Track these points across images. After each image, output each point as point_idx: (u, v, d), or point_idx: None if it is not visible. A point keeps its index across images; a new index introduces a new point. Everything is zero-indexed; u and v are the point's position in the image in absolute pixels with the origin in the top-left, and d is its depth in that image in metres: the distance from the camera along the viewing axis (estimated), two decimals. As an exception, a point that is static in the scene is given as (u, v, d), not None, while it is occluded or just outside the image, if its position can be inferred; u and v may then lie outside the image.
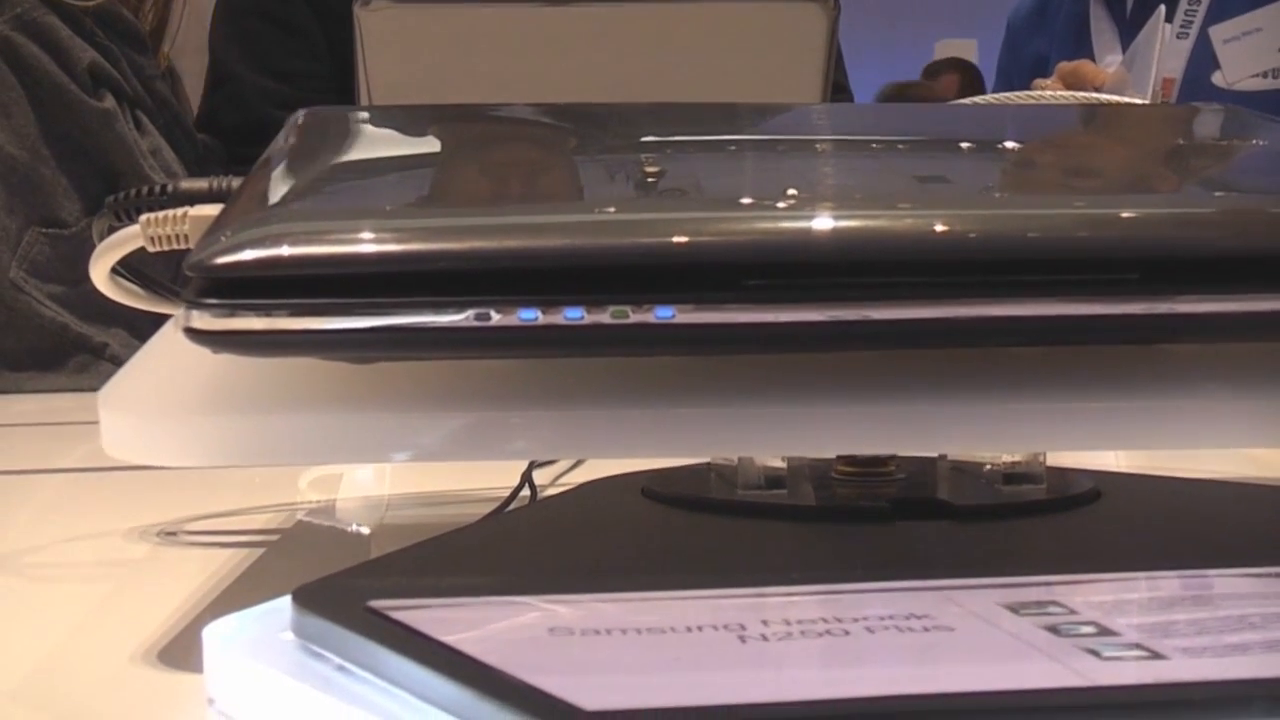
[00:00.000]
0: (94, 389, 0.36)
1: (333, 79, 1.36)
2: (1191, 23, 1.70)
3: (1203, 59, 1.70)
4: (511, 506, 0.45)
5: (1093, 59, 1.74)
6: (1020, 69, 1.88)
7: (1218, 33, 1.68)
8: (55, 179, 1.14)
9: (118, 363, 1.12)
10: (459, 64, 0.81)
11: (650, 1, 0.83)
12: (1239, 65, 1.66)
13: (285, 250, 0.28)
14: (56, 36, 1.13)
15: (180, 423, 0.31)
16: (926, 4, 5.96)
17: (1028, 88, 1.59)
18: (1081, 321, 0.31)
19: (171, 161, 1.20)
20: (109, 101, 1.15)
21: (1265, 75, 1.65)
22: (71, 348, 1.11)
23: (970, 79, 4.29)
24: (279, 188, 0.32)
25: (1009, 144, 0.41)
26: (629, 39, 0.83)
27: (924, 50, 5.19)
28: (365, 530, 0.54)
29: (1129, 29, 1.73)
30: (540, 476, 0.50)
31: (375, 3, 0.78)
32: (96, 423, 0.35)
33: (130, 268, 0.44)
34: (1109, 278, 0.31)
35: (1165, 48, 1.39)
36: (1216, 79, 1.68)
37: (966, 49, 5.05)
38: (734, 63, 0.84)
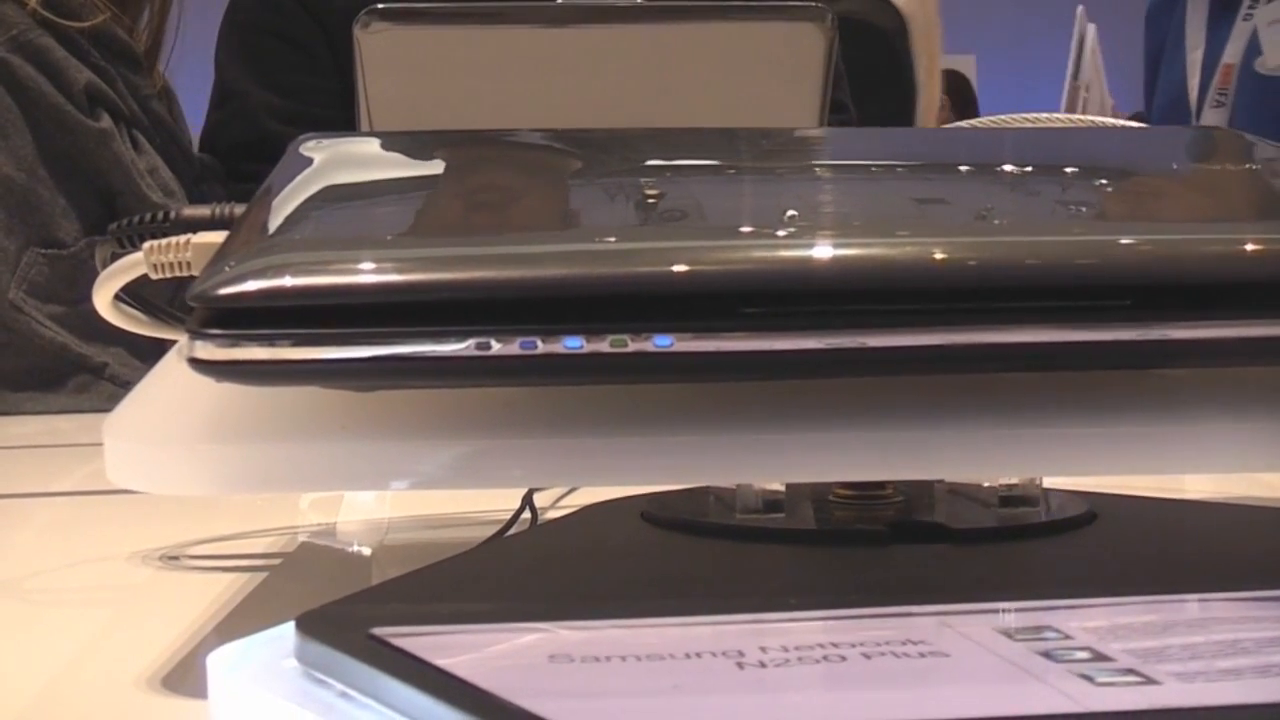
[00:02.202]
0: (94, 409, 0.36)
1: (339, 95, 1.36)
2: (1257, 3, 1.60)
3: (1257, 45, 1.60)
4: (512, 530, 0.46)
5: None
6: (1148, 61, 1.78)
7: (1264, 14, 1.57)
8: (53, 200, 1.14)
9: (117, 382, 1.12)
10: (459, 86, 0.81)
11: (649, 23, 0.83)
12: (1279, 50, 1.57)
13: (287, 281, 0.28)
14: (52, 57, 1.14)
15: (184, 451, 0.31)
16: (924, 21, 5.96)
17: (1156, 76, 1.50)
18: (1075, 348, 0.31)
19: (169, 180, 1.20)
20: (105, 121, 1.16)
21: None
22: (71, 368, 1.11)
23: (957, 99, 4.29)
24: (280, 218, 0.33)
25: (1003, 170, 0.41)
26: (628, 61, 0.83)
27: (922, 67, 5.20)
28: (367, 553, 0.54)
29: (1215, 22, 1.64)
30: (541, 499, 0.50)
31: (375, 25, 0.78)
32: (98, 445, 0.35)
33: (133, 293, 0.44)
34: (1102, 304, 0.31)
35: (1093, 54, 1.35)
36: (1259, 65, 1.59)
37: (965, 64, 5.06)
38: (733, 83, 0.84)
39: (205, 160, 1.33)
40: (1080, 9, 1.49)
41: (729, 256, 0.30)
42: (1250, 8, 1.62)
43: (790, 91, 0.85)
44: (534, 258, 0.30)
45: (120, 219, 0.45)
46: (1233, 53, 1.60)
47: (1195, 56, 1.64)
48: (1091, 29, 1.51)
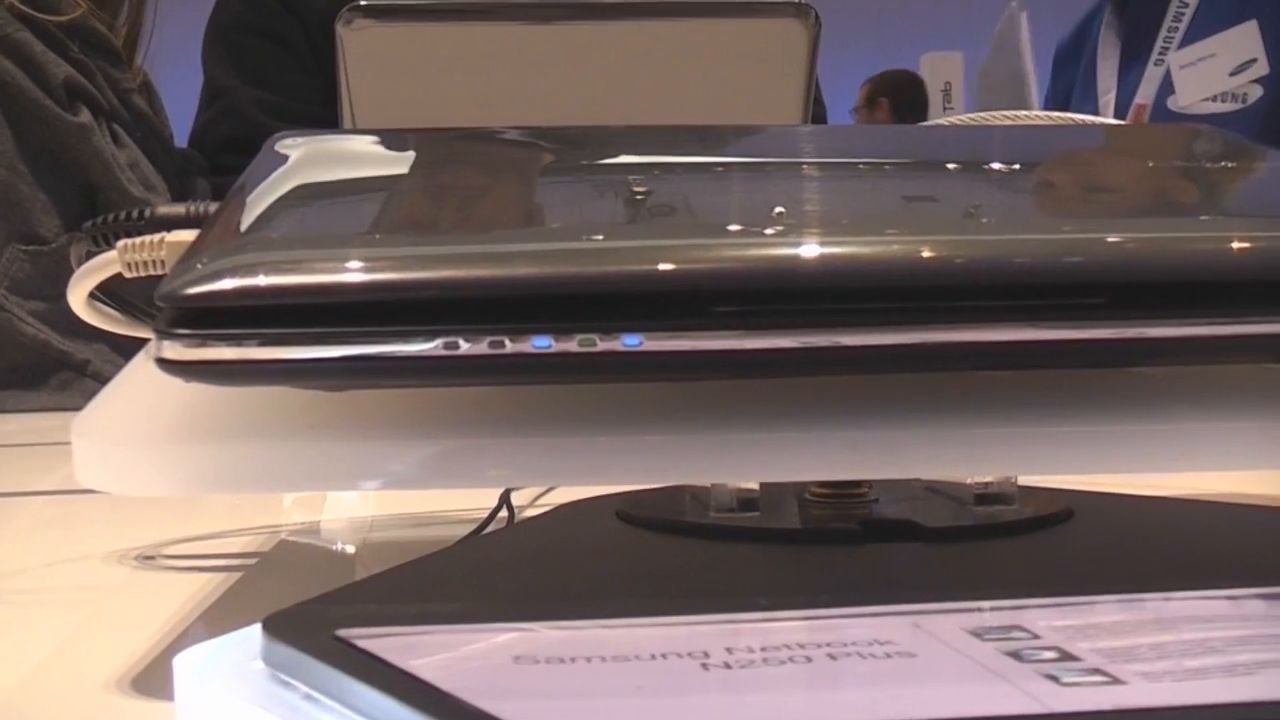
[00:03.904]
0: (76, 407, 0.36)
1: (323, 90, 1.36)
2: (1167, 49, 1.74)
3: (1169, 85, 1.74)
4: (489, 529, 0.46)
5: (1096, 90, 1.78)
6: (1056, 102, 1.91)
7: (1176, 59, 1.74)
8: (34, 195, 1.13)
9: (99, 379, 1.12)
10: (442, 82, 0.81)
11: (633, 20, 0.83)
12: (1191, 89, 1.72)
13: (254, 281, 0.28)
14: (31, 52, 1.13)
15: (151, 451, 0.31)
16: (912, 17, 5.98)
17: None
18: (1051, 346, 0.31)
19: (150, 174, 1.20)
20: (85, 116, 1.15)
21: (1214, 99, 1.70)
22: (53, 365, 1.11)
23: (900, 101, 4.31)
24: (250, 217, 0.32)
25: (979, 168, 0.41)
26: (612, 57, 0.83)
27: (909, 63, 5.21)
28: (348, 551, 0.54)
29: (1125, 67, 1.77)
30: (520, 497, 0.50)
31: (358, 21, 0.78)
32: (75, 445, 0.35)
33: (108, 291, 0.44)
34: (1077, 302, 0.31)
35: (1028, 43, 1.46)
36: (1171, 103, 1.73)
37: (952, 61, 5.07)
38: (716, 79, 0.84)
39: (187, 153, 1.32)
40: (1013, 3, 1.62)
41: (698, 255, 0.30)
42: (1161, 54, 1.76)
43: (774, 88, 0.85)
44: (502, 257, 0.29)
45: (101, 213, 0.45)
46: (1145, 94, 1.76)
47: (1108, 99, 1.79)
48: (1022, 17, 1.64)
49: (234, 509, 0.57)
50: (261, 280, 0.29)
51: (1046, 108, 1.96)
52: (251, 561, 0.48)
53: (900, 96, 4.56)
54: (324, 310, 0.29)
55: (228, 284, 0.29)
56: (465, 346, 0.29)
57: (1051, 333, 0.31)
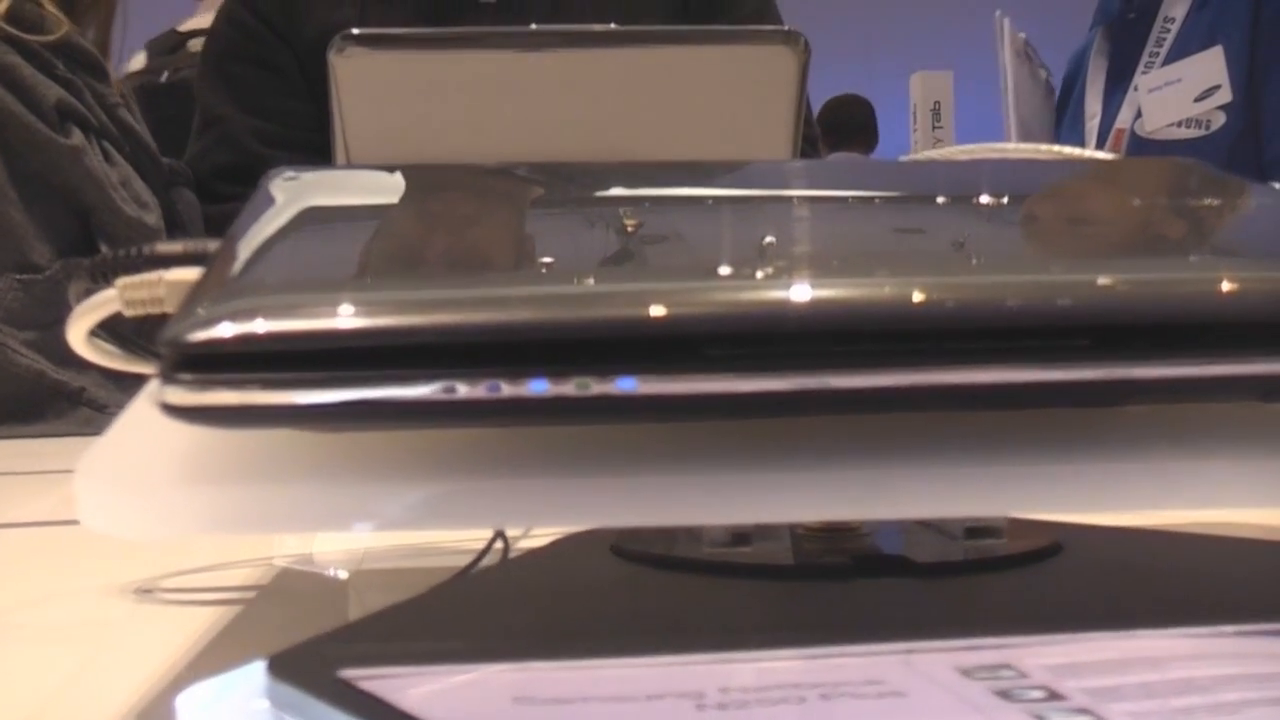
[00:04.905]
0: (72, 434, 0.36)
1: (316, 116, 1.37)
2: (1148, 74, 1.76)
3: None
4: (483, 562, 0.46)
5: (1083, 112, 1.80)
6: (1061, 125, 1.92)
7: (1144, 82, 1.75)
8: (25, 223, 1.13)
9: (94, 406, 1.12)
10: (434, 110, 0.82)
11: (623, 48, 0.84)
12: (1158, 114, 1.73)
13: (254, 328, 0.29)
14: (20, 75, 1.13)
15: (156, 494, 0.31)
16: (903, 37, 6.00)
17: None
18: (1036, 388, 0.32)
19: (141, 190, 1.20)
20: (77, 137, 1.15)
21: (1180, 124, 1.71)
22: (48, 396, 1.11)
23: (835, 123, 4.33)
24: (249, 260, 0.33)
25: (965, 205, 0.42)
26: (603, 84, 0.84)
27: (900, 83, 5.23)
28: (344, 582, 0.54)
29: (1109, 92, 1.78)
30: (513, 528, 0.50)
31: (350, 50, 0.78)
32: (68, 471, 0.35)
33: (106, 327, 0.44)
34: (1064, 344, 0.32)
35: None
36: (1138, 128, 1.74)
37: (943, 81, 5.08)
38: (706, 106, 0.85)
39: (173, 164, 1.33)
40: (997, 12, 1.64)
41: (691, 300, 0.30)
42: (1142, 78, 1.78)
43: (764, 115, 0.85)
44: (500, 301, 0.30)
45: (94, 235, 0.45)
46: (1124, 118, 1.79)
47: (1093, 124, 1.81)
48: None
49: (228, 540, 0.57)
50: (261, 326, 0.29)
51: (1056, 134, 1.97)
52: (250, 594, 0.48)
53: (834, 119, 4.58)
54: (324, 353, 0.29)
55: (229, 330, 0.29)
56: (463, 390, 0.29)
57: (1038, 374, 0.31)
